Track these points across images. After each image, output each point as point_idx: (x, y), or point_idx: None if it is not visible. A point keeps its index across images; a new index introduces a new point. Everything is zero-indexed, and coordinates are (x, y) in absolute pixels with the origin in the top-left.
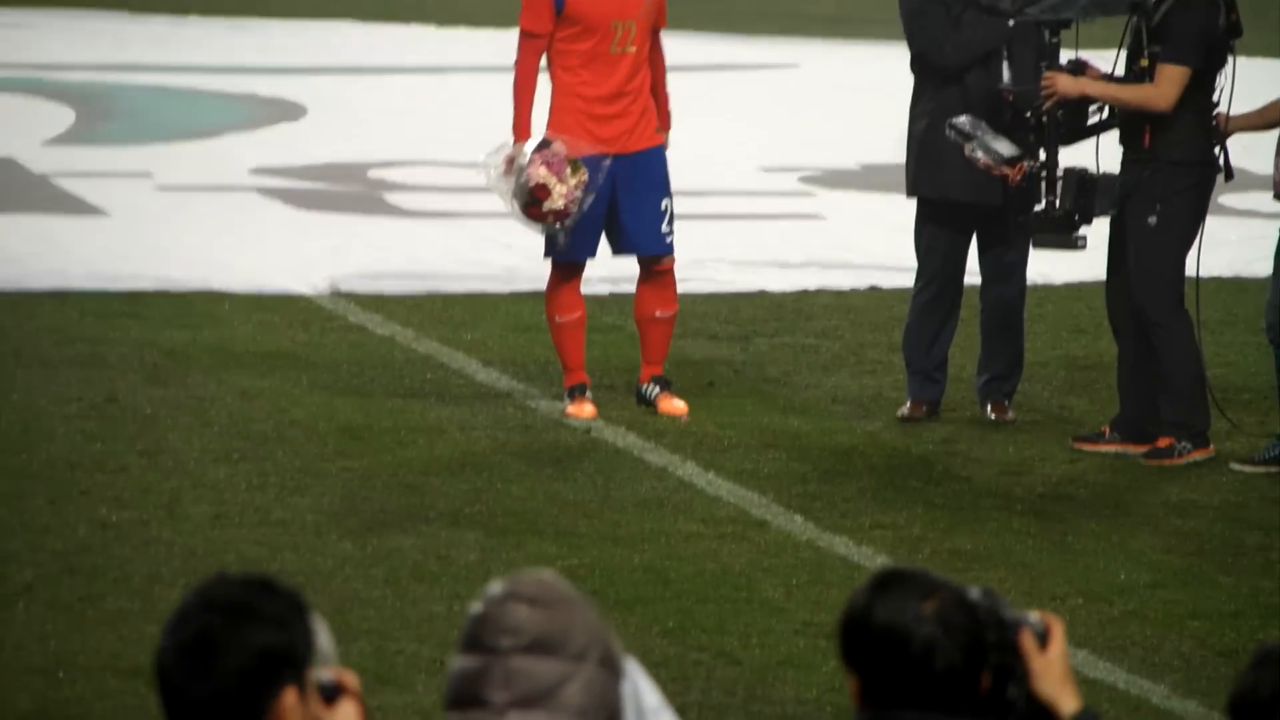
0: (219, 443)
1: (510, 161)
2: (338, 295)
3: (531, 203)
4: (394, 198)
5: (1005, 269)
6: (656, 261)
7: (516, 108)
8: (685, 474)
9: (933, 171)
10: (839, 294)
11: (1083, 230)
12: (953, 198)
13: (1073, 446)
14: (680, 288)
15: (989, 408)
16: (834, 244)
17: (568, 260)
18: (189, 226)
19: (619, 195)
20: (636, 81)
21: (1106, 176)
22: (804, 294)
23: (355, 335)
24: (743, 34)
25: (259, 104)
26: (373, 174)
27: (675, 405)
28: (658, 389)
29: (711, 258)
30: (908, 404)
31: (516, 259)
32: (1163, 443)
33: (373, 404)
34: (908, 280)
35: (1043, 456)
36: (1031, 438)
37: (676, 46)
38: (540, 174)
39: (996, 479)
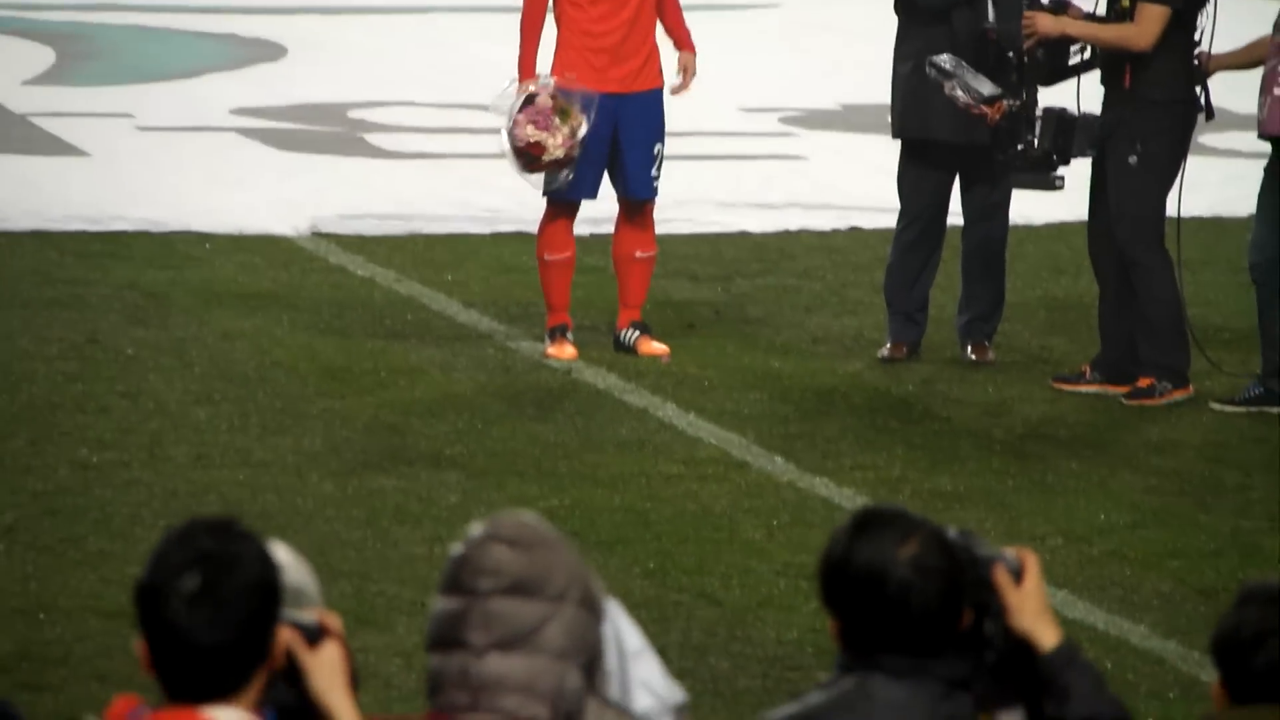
0: (200, 384)
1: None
2: (319, 236)
3: (531, 161)
4: (375, 138)
5: (988, 209)
6: (640, 204)
7: (522, 45)
8: (666, 415)
9: (918, 112)
10: (820, 234)
11: (1061, 170)
12: (937, 138)
13: (1053, 386)
14: (661, 229)
15: (969, 348)
16: (815, 184)
17: (566, 199)
18: (169, 167)
19: (619, 135)
20: (643, 21)
21: (1086, 117)
22: (785, 234)
23: (336, 276)
24: None
25: (239, 44)
26: (354, 114)
27: (655, 347)
28: (636, 333)
29: (693, 198)
30: (888, 345)
31: (499, 200)
32: (1143, 382)
33: (354, 345)
34: (889, 220)
35: (1023, 397)
36: (1011, 378)
37: None
38: (529, 134)
39: (977, 419)
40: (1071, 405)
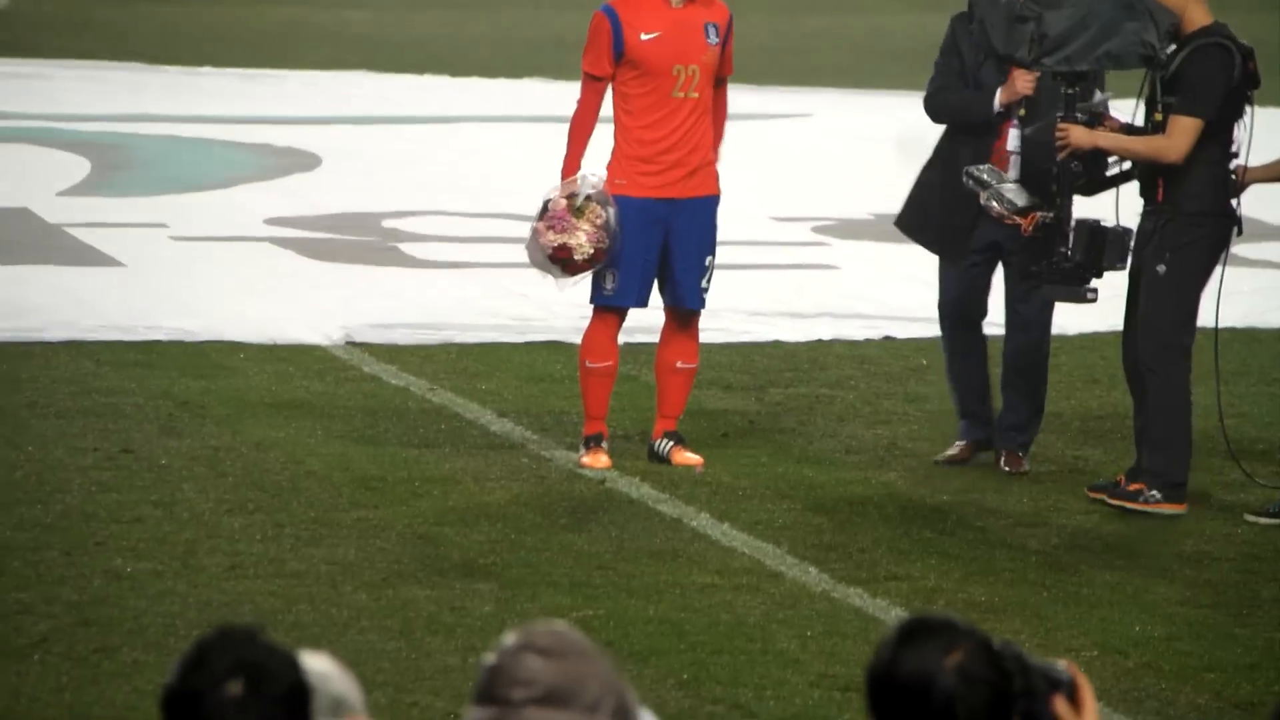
0: (234, 493)
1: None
2: (352, 345)
3: (567, 264)
4: (408, 247)
5: (1024, 319)
6: (687, 314)
7: (569, 148)
8: (700, 525)
9: (913, 212)
10: (852, 344)
11: (1094, 283)
12: (919, 242)
13: (1088, 496)
14: None
15: (1003, 458)
16: (847, 294)
17: (614, 305)
18: (204, 277)
19: (670, 243)
20: (699, 128)
21: (1117, 229)
22: (818, 344)
23: (370, 385)
24: (756, 84)
25: (273, 154)
26: (386, 223)
27: (689, 457)
28: (671, 443)
29: (726, 308)
30: (957, 445)
31: (531, 308)
32: (1133, 486)
33: (387, 454)
34: (921, 330)
35: (1057, 507)
36: (1046, 488)
37: None
38: (552, 240)
39: (1011, 530)
40: (1106, 516)
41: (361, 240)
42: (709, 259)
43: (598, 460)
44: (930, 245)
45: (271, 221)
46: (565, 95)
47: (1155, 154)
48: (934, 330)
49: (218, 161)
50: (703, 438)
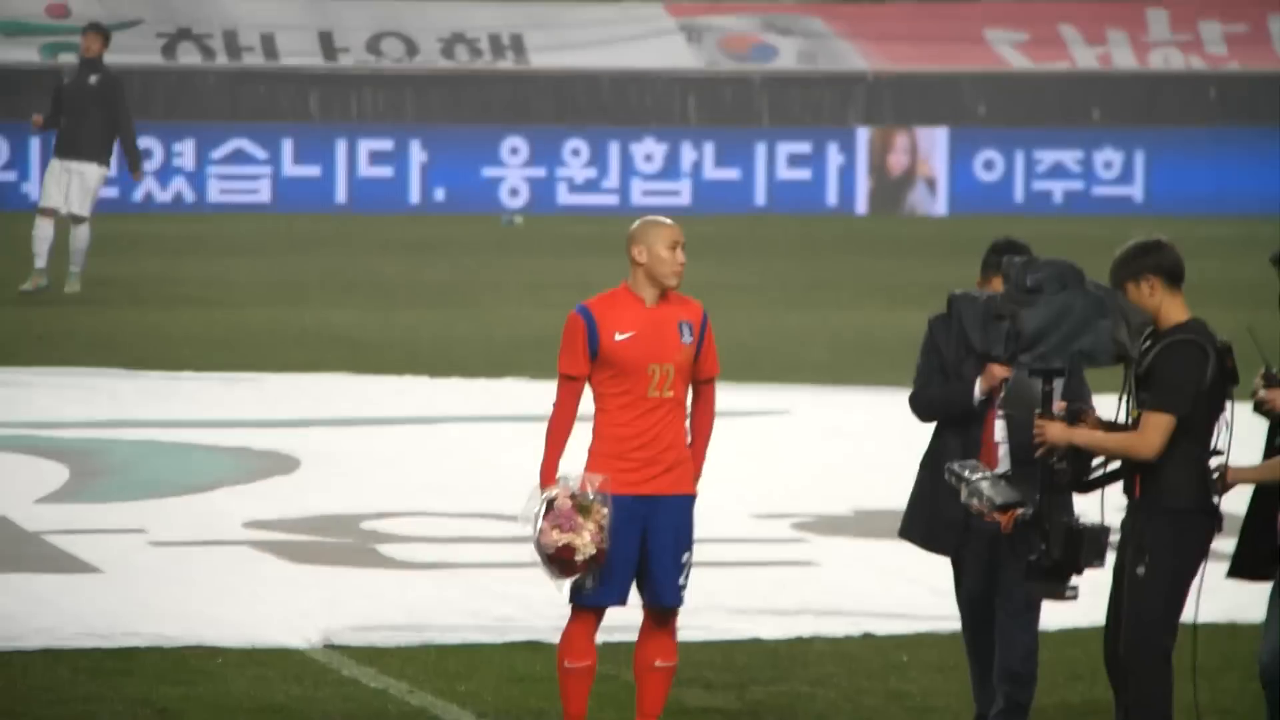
0: None
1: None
2: (331, 648)
3: (565, 565)
4: (387, 549)
5: (1014, 615)
6: (666, 613)
7: (547, 449)
8: None
9: (909, 515)
10: (833, 640)
11: (1076, 581)
12: (913, 541)
13: None
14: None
15: None
16: (828, 590)
17: (593, 604)
18: (182, 582)
19: (648, 541)
20: (674, 426)
21: (1094, 528)
22: (798, 641)
23: (349, 688)
24: (735, 381)
25: (252, 457)
26: (365, 525)
27: None
28: None
29: (706, 605)
30: None
31: (511, 608)
32: None
33: None
34: (903, 626)
35: None
36: None
37: None
38: (556, 539)
39: None
40: None
41: (341, 542)
42: (686, 555)
43: None
44: (921, 541)
45: (250, 525)
46: (545, 394)
47: (1127, 451)
48: (915, 626)
49: (196, 466)
50: None
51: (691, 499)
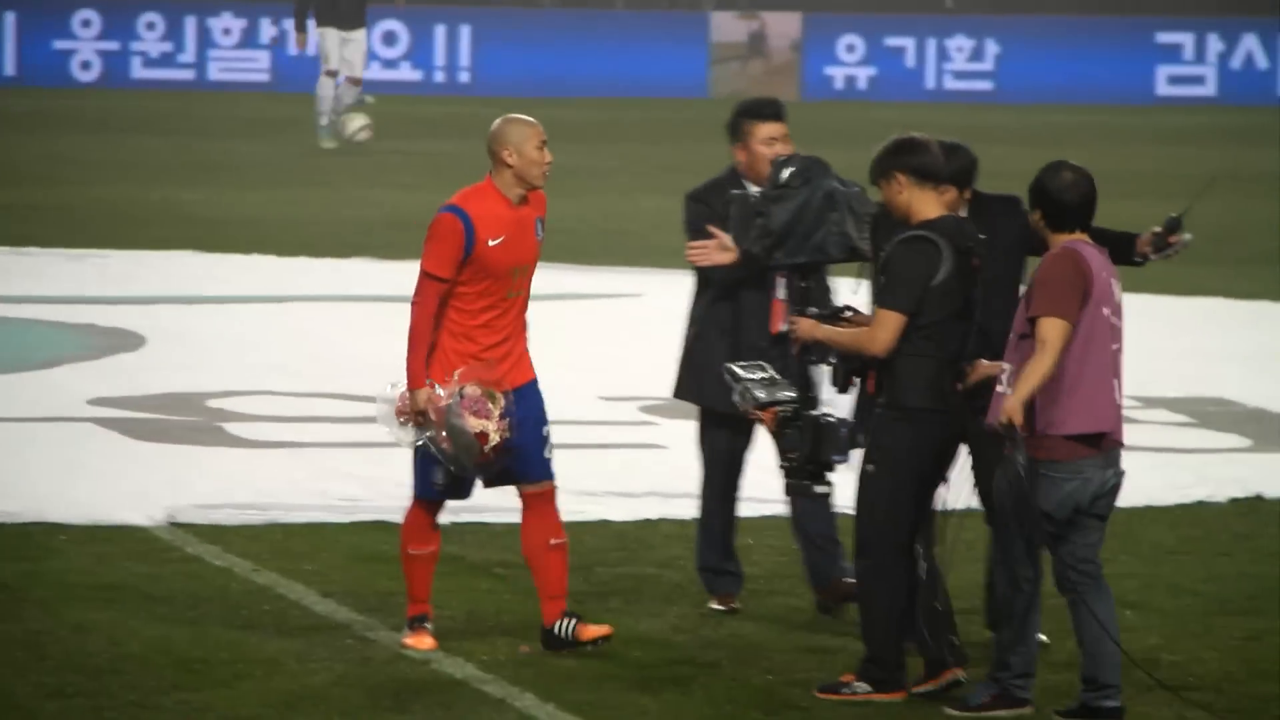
0: (53, 677)
1: (413, 411)
2: (175, 526)
3: (476, 453)
4: (233, 428)
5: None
6: (540, 487)
7: (412, 353)
8: (524, 705)
9: (695, 379)
10: (680, 523)
11: (831, 480)
12: (714, 407)
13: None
14: (519, 517)
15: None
16: (675, 473)
17: (441, 499)
18: (26, 459)
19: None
20: (521, 320)
21: (834, 422)
22: (646, 523)
23: (193, 566)
24: (586, 264)
25: (98, 334)
26: (212, 403)
27: (595, 629)
28: (573, 621)
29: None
30: (715, 600)
31: (358, 488)
32: (845, 676)
33: (209, 636)
34: (747, 510)
35: None
36: None
37: None
38: (474, 424)
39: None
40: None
41: (187, 420)
42: (545, 429)
43: (422, 641)
44: (695, 398)
45: (95, 402)
46: (392, 275)
47: (859, 346)
48: (758, 509)
49: (41, 341)
50: (529, 618)
51: (535, 382)
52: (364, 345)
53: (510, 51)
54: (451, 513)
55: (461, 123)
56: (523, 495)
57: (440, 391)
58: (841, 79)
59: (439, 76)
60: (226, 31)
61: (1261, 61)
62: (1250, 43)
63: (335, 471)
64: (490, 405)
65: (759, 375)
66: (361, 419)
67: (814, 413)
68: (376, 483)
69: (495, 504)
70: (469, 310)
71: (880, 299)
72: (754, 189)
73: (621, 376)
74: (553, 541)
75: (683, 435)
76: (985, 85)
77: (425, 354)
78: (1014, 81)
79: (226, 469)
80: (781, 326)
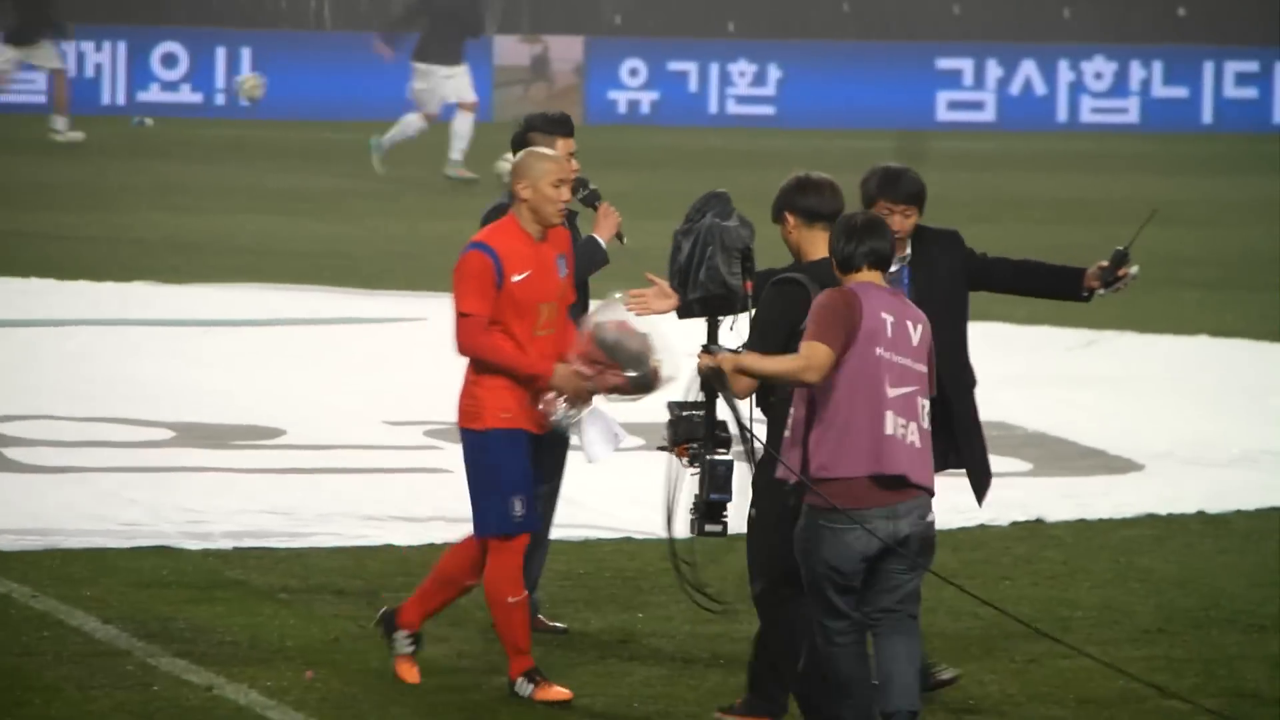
0: None
1: (568, 388)
2: None
3: (649, 346)
4: (12, 452)
5: None
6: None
7: (514, 363)
8: None
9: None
10: None
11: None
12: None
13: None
14: (305, 542)
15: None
16: (460, 497)
17: (524, 531)
18: None
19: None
20: (552, 361)
21: (719, 463)
22: (430, 547)
23: None
24: (370, 288)
25: None
26: None
27: (558, 691)
28: (533, 684)
29: (338, 512)
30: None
31: (138, 514)
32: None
33: None
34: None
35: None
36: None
37: (304, 299)
38: (622, 331)
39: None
40: None
41: None
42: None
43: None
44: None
45: None
46: (174, 298)
47: (789, 375)
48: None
49: None
50: (313, 643)
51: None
52: (146, 368)
53: (292, 74)
54: (234, 537)
55: (243, 146)
56: (491, 544)
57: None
58: (625, 103)
59: (219, 99)
60: None
61: (1040, 88)
62: (1029, 69)
63: (115, 496)
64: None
65: (688, 413)
66: (143, 443)
67: (716, 455)
68: (158, 508)
69: (279, 529)
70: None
71: (748, 340)
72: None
73: (406, 401)
74: (510, 600)
75: None
76: (768, 110)
77: (524, 357)
78: (796, 106)
79: (4, 494)
80: None
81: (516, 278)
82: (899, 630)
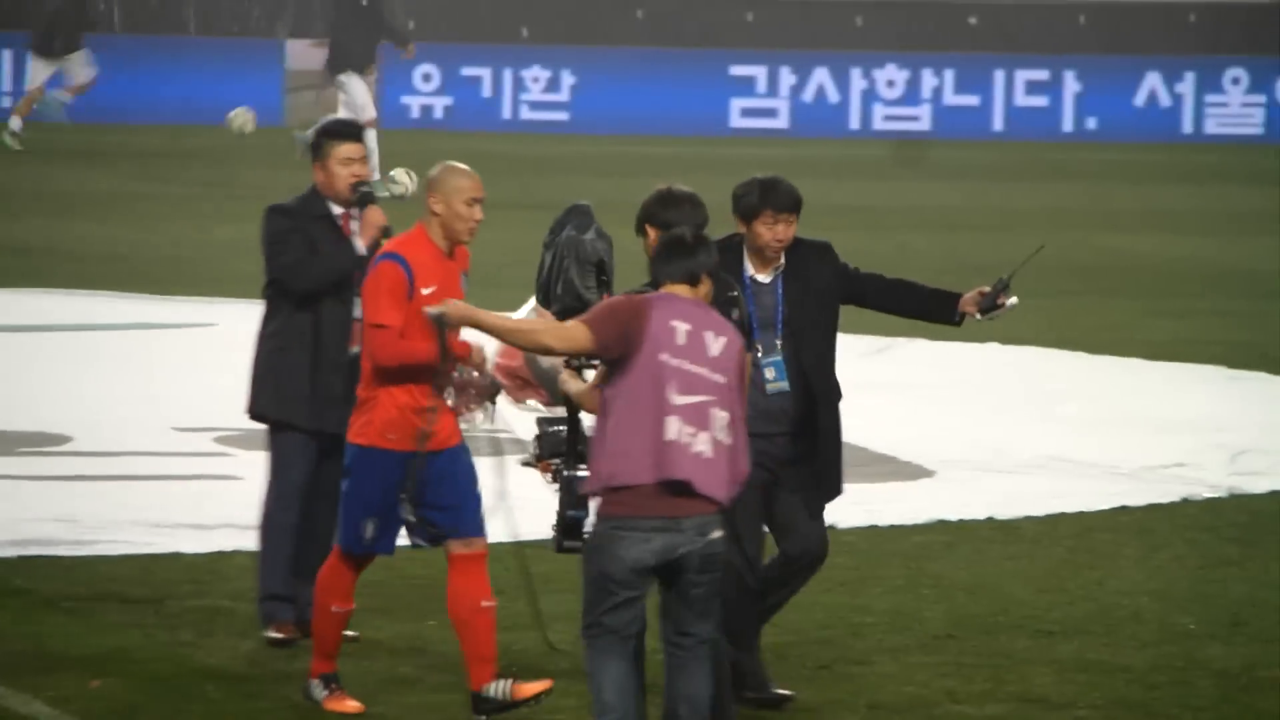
0: None
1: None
2: None
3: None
4: None
5: None
6: (471, 547)
7: (420, 354)
8: None
9: (276, 393)
10: (252, 554)
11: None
12: (295, 422)
13: None
14: (91, 550)
15: None
16: (249, 504)
17: (368, 554)
18: None
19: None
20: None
21: (568, 477)
22: (219, 555)
23: None
24: (159, 294)
25: None
26: None
27: (535, 685)
28: (508, 682)
29: (125, 520)
30: (273, 628)
31: None
32: None
33: None
34: None
35: None
36: None
37: (91, 305)
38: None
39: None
40: None
41: None
42: (479, 488)
43: (345, 704)
44: (306, 420)
45: None
46: None
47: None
48: None
49: None
50: (99, 652)
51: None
52: None
53: None
54: (19, 545)
55: (26, 148)
56: (451, 557)
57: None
58: (418, 108)
59: (4, 101)
60: None
61: (833, 95)
62: (822, 76)
63: None
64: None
65: (555, 429)
66: None
67: (573, 472)
68: None
69: (64, 537)
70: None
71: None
72: (336, 209)
73: (195, 407)
74: (483, 604)
75: (257, 466)
76: (561, 116)
77: (428, 347)
78: (590, 112)
79: None
80: (356, 347)
81: (425, 290)
82: (693, 651)
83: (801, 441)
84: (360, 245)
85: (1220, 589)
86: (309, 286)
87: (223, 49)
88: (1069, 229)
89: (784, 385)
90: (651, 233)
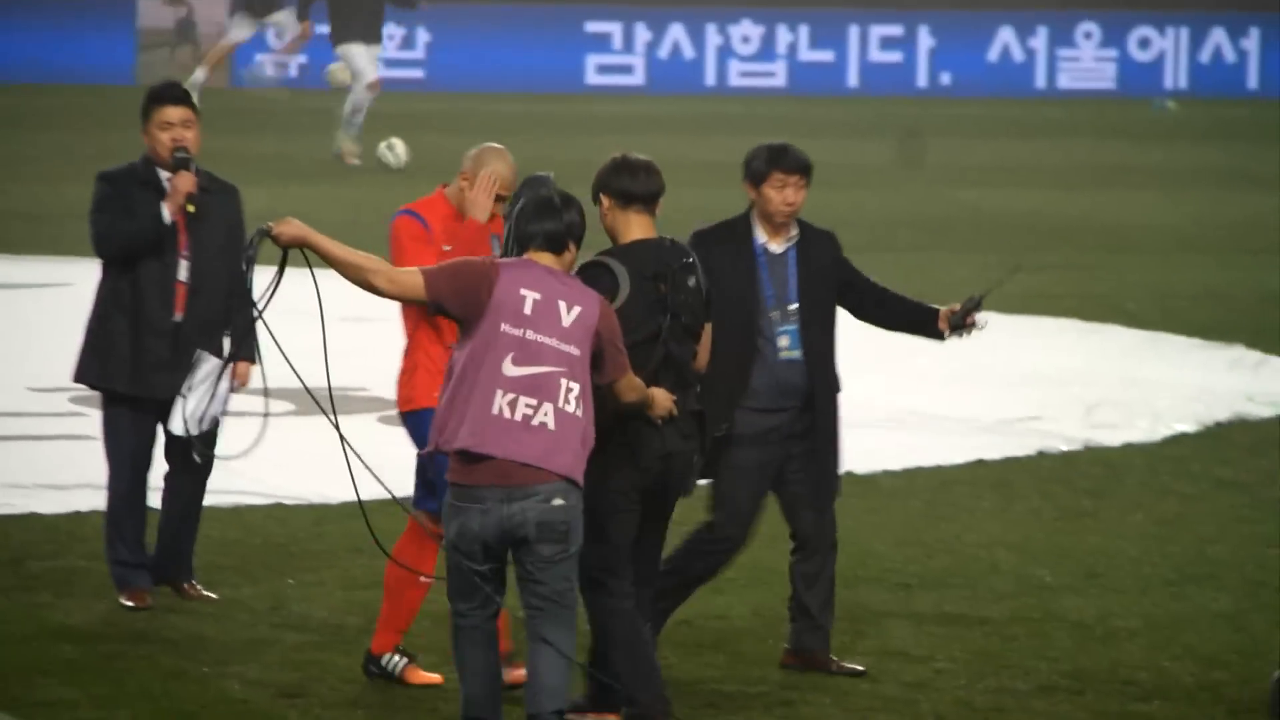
0: None
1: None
2: None
3: None
4: None
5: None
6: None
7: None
8: None
9: (98, 360)
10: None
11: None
12: (117, 388)
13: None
14: None
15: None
16: (103, 465)
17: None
18: None
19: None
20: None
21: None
22: (76, 515)
23: None
24: (11, 254)
25: None
26: None
27: (426, 676)
28: (405, 661)
29: None
30: (125, 595)
31: None
32: None
33: None
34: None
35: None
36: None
37: None
38: None
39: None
40: None
41: None
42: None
43: (425, 676)
44: (129, 386)
45: None
46: None
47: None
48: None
49: None
50: None
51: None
52: None
53: None
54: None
55: None
56: (414, 525)
57: None
58: (273, 66)
59: None
60: None
61: (689, 51)
62: (678, 32)
63: None
64: None
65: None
66: None
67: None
68: None
69: None
70: (441, 326)
71: None
72: (165, 175)
73: (51, 367)
74: (422, 579)
75: None
76: (416, 74)
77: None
78: (445, 70)
79: None
80: (180, 314)
81: (445, 248)
82: (547, 624)
83: (808, 416)
84: (167, 212)
85: (1076, 541)
86: (110, 252)
87: (74, 6)
88: (922, 184)
89: (797, 354)
90: (606, 201)
